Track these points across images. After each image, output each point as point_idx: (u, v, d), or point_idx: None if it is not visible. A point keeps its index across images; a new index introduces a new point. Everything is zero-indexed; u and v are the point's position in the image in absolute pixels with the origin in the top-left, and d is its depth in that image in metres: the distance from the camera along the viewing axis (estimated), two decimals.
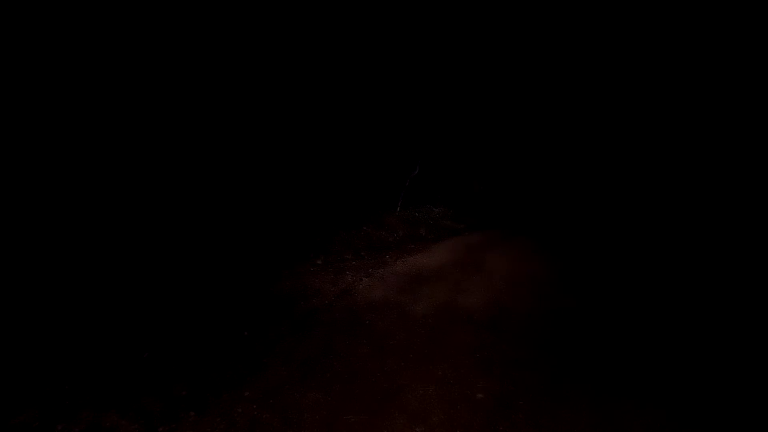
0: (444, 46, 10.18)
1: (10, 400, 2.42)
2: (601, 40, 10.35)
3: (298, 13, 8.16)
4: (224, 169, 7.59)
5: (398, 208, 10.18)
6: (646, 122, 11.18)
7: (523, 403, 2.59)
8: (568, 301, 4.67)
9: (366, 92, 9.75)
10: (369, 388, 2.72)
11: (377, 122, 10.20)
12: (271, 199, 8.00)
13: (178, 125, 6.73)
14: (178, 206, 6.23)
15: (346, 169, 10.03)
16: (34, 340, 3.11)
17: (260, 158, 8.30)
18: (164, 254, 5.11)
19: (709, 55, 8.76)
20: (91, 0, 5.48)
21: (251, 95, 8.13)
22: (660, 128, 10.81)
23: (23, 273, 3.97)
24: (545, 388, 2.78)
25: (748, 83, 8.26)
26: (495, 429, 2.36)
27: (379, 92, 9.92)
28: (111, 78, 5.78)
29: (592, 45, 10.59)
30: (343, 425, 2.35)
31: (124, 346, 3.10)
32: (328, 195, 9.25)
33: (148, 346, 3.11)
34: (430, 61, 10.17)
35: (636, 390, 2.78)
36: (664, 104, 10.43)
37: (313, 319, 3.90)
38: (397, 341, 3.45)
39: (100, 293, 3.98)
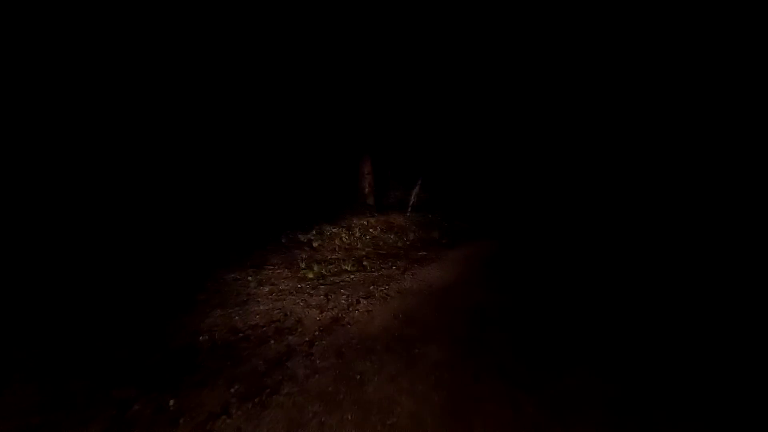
0: (442, 45, 9.21)
1: None
2: (580, 38, 9.48)
3: (287, 20, 7.40)
4: (214, 168, 6.76)
5: (409, 209, 9.01)
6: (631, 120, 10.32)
7: None
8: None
9: (373, 93, 8.89)
10: None
11: (385, 121, 9.24)
12: (253, 194, 7.05)
13: (161, 127, 5.94)
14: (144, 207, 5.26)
15: (347, 168, 9.04)
16: None
17: (257, 158, 7.52)
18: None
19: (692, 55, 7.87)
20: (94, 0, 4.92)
21: (250, 97, 7.40)
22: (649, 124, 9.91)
23: None
24: None
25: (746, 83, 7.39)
26: None
27: (386, 92, 9.03)
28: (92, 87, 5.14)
29: (570, 44, 9.72)
30: None
31: None
32: (326, 194, 8.25)
33: None
34: (431, 58, 9.23)
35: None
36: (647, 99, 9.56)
37: (282, 372, 2.77)
38: (398, 419, 2.30)
39: None
